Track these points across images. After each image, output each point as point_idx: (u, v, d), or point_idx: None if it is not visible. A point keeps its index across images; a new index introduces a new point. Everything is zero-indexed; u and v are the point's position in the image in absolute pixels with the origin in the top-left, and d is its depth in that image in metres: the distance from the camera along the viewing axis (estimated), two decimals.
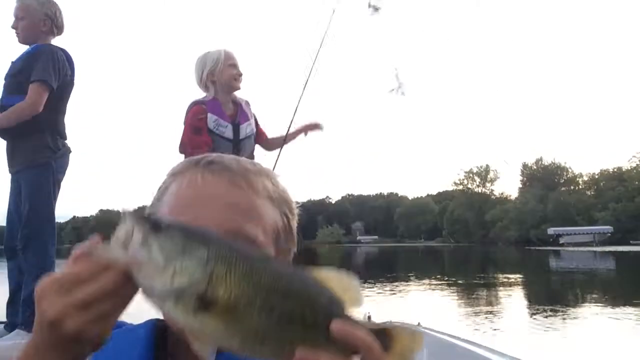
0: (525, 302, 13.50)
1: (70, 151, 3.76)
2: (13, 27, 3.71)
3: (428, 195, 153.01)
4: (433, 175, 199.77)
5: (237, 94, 3.68)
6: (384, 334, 0.65)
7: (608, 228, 76.94)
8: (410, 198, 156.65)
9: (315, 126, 3.91)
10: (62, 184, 3.68)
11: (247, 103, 3.72)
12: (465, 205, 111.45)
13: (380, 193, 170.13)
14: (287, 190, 0.95)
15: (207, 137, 3.44)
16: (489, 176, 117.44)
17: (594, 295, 14.72)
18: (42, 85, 3.48)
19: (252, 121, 3.69)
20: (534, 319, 10.15)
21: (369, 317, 2.92)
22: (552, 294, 14.86)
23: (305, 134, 3.89)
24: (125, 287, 0.61)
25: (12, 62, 3.67)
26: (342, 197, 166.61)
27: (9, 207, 3.63)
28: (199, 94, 3.65)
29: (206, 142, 3.42)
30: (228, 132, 3.51)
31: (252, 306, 0.60)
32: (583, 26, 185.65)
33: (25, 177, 3.52)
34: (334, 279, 0.66)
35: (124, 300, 0.63)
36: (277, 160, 3.83)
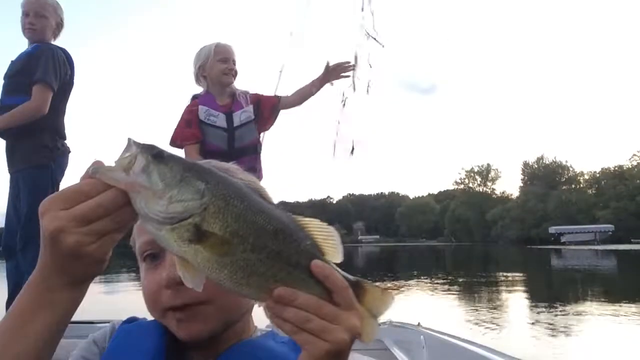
0: (527, 301, 13.45)
1: (69, 151, 3.76)
2: (30, 22, 3.69)
3: (429, 194, 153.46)
4: (434, 174, 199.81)
5: (239, 86, 3.64)
6: (358, 286, 0.71)
7: (609, 227, 76.86)
8: (411, 197, 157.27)
9: (343, 68, 3.66)
10: (63, 184, 3.66)
11: (245, 93, 3.64)
12: (467, 205, 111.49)
13: (382, 192, 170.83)
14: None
15: (196, 129, 3.43)
16: (490, 175, 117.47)
17: (596, 294, 14.69)
18: (45, 87, 3.50)
19: (249, 108, 3.58)
20: (536, 317, 10.10)
21: None
22: (554, 293, 14.85)
23: (332, 82, 3.66)
24: (124, 208, 0.63)
25: (12, 62, 3.68)
26: (343, 197, 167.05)
27: (8, 207, 3.63)
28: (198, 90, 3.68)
29: (194, 135, 3.42)
30: (220, 121, 3.47)
31: (244, 242, 0.64)
32: (583, 25, 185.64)
33: (24, 178, 3.52)
34: (317, 228, 0.70)
35: (122, 222, 0.64)
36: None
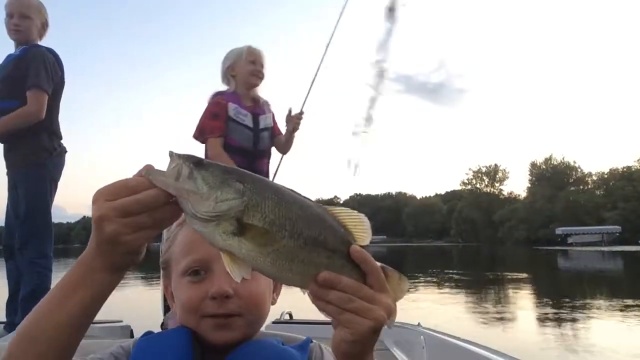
0: (533, 302, 13.41)
1: (65, 151, 3.79)
2: (15, 23, 3.66)
3: (436, 195, 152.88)
4: (441, 174, 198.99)
5: (260, 94, 3.74)
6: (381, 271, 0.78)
7: (616, 228, 76.43)
8: (418, 198, 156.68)
9: (294, 117, 3.80)
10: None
11: (267, 102, 3.76)
12: (474, 205, 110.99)
13: (389, 193, 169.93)
14: None
15: (222, 123, 3.48)
16: (497, 176, 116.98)
17: (602, 295, 14.70)
18: (40, 92, 3.52)
19: (270, 116, 3.74)
20: (543, 318, 10.21)
21: None
22: (560, 293, 14.87)
23: (292, 130, 3.79)
24: (163, 208, 0.70)
25: (0, 67, 3.65)
26: (350, 197, 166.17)
27: (7, 207, 3.66)
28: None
29: (219, 128, 3.47)
30: (248, 121, 3.55)
31: (282, 230, 0.69)
32: (592, 25, 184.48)
33: (22, 178, 3.56)
34: (347, 215, 0.77)
35: (159, 220, 0.71)
36: (277, 169, 3.91)
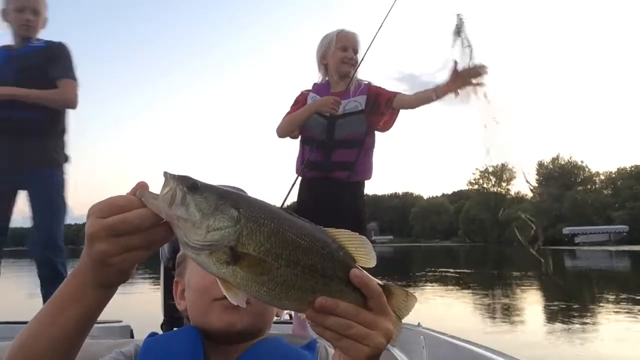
0: (540, 302, 13.45)
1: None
2: (27, 19, 3.53)
3: (443, 194, 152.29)
4: (448, 174, 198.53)
5: (362, 77, 3.44)
6: (385, 289, 0.76)
7: (624, 227, 75.97)
8: (425, 198, 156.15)
9: (477, 73, 2.76)
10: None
11: (361, 84, 3.38)
12: (481, 205, 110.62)
13: (395, 193, 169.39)
14: None
15: (298, 107, 3.37)
16: (504, 176, 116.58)
17: (610, 294, 14.65)
18: (75, 83, 3.49)
19: (359, 98, 3.31)
20: (551, 317, 10.24)
21: None
22: (568, 293, 14.85)
23: (457, 92, 2.87)
24: (154, 229, 0.68)
25: (18, 57, 3.51)
26: None
27: (33, 206, 3.46)
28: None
29: (294, 110, 3.38)
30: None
31: (278, 259, 0.67)
32: (599, 23, 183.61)
33: (53, 177, 3.50)
34: (347, 238, 0.74)
35: (150, 242, 0.69)
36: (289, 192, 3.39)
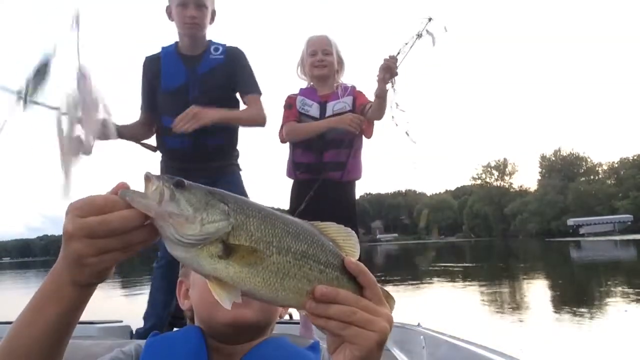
0: (548, 294, 13.43)
1: None
2: (192, 15, 3.00)
3: (446, 191, 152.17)
4: (451, 170, 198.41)
5: (345, 80, 3.52)
6: None
7: (628, 217, 75.75)
8: (428, 195, 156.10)
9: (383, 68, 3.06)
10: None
11: (346, 87, 3.44)
12: (485, 200, 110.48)
13: (399, 191, 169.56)
14: None
15: (295, 110, 3.40)
16: (507, 169, 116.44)
17: (616, 284, 14.64)
18: (261, 97, 3.18)
19: (346, 99, 3.37)
20: (558, 311, 10.25)
21: None
22: (574, 285, 14.83)
23: (380, 87, 3.10)
24: (133, 232, 0.66)
25: (202, 75, 3.10)
26: (360, 197, 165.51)
27: None
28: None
29: (293, 114, 3.40)
30: (313, 111, 3.37)
31: (270, 247, 0.67)
32: (597, 15, 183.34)
33: (236, 178, 3.32)
34: (335, 230, 0.76)
35: (129, 244, 0.67)
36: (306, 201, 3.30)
